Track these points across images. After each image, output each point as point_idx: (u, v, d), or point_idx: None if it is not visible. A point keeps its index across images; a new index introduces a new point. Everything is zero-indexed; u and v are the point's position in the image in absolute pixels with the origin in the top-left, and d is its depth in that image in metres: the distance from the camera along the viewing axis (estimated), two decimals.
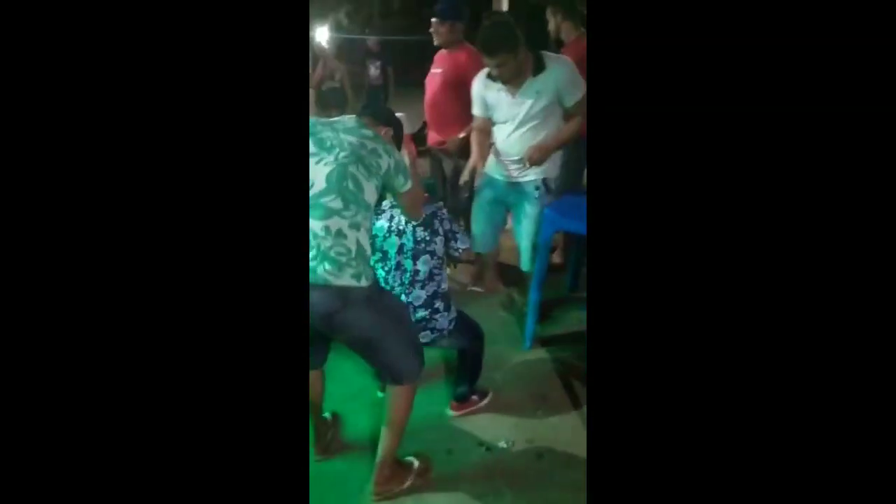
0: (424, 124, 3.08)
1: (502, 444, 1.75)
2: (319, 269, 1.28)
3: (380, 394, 1.93)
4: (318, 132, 1.41)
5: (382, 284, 1.72)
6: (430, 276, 1.71)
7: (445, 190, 2.83)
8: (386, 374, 1.50)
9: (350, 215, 1.33)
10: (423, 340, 1.70)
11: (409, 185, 1.50)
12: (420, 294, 1.70)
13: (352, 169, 1.35)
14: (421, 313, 1.70)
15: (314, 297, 1.24)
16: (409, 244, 1.70)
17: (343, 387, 1.95)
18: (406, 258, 1.70)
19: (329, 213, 1.31)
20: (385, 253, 1.72)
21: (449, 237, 1.77)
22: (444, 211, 1.79)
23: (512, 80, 2.11)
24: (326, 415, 1.77)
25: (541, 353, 2.26)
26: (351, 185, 1.33)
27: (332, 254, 1.29)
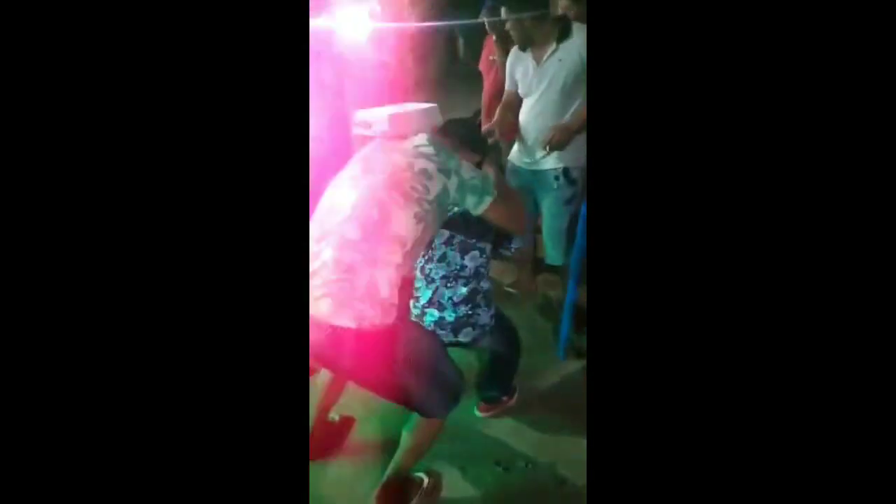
0: (477, 112, 2.95)
1: (520, 465, 1.61)
2: (321, 304, 1.13)
3: None
4: (370, 152, 1.28)
5: (418, 275, 1.60)
6: (476, 274, 1.57)
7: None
8: (407, 407, 1.33)
9: (367, 249, 1.14)
10: (463, 339, 1.59)
11: (484, 205, 1.28)
12: (462, 291, 1.56)
13: (381, 195, 1.18)
14: (462, 310, 1.57)
15: (312, 334, 1.07)
16: (460, 237, 1.56)
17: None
18: (453, 250, 1.55)
19: (343, 243, 1.15)
20: (431, 240, 1.59)
21: (503, 235, 1.60)
22: None
23: (535, 46, 1.94)
24: (334, 416, 1.69)
25: (576, 365, 2.08)
26: (375, 214, 1.16)
27: (335, 288, 1.12)
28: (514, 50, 2.08)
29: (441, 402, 1.29)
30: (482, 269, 1.58)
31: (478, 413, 1.83)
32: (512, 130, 2.17)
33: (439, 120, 1.55)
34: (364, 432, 1.74)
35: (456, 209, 1.43)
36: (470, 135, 1.47)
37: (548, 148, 1.96)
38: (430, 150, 1.25)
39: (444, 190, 1.22)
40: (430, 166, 1.21)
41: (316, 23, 2.31)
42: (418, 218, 1.19)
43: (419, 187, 1.19)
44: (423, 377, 1.26)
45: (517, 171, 2.18)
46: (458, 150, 1.37)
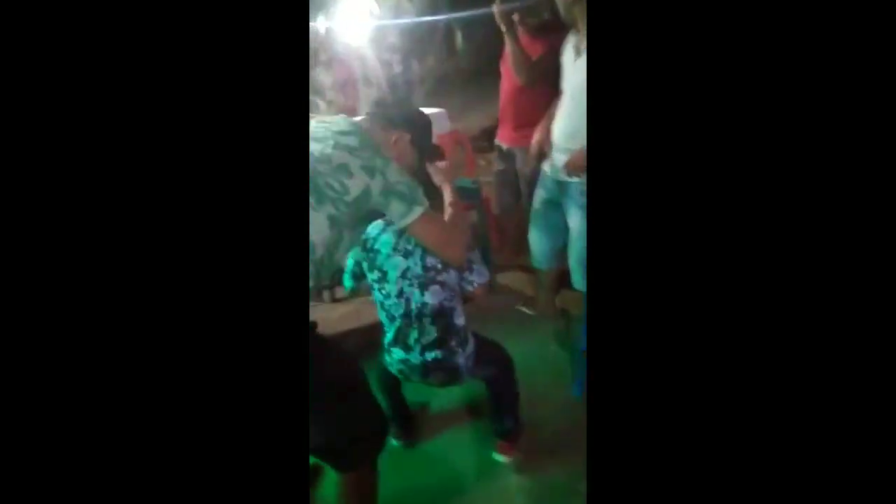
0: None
1: None
2: None
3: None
4: None
5: (380, 309, 1.41)
6: (441, 311, 1.36)
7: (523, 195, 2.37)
8: (319, 458, 1.13)
9: None
10: (433, 381, 1.41)
11: (412, 216, 1.10)
12: (431, 331, 1.36)
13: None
14: (431, 354, 1.37)
15: None
16: (417, 270, 1.35)
17: None
18: (410, 286, 1.35)
19: None
20: (384, 274, 1.37)
21: (463, 267, 1.40)
22: None
23: (578, 30, 1.74)
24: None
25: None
26: None
27: None
28: (571, 32, 1.86)
29: (357, 449, 1.09)
30: (448, 304, 1.36)
31: (498, 457, 1.58)
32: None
33: (448, 126, 1.33)
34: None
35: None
36: (395, 112, 1.28)
37: (562, 173, 1.78)
38: (353, 141, 1.06)
39: (366, 191, 1.04)
40: (353, 162, 1.04)
41: (315, 23, 2.09)
42: (332, 221, 1.01)
43: (336, 185, 1.01)
44: (333, 418, 1.03)
45: (545, 180, 1.97)
46: (385, 130, 1.20)
